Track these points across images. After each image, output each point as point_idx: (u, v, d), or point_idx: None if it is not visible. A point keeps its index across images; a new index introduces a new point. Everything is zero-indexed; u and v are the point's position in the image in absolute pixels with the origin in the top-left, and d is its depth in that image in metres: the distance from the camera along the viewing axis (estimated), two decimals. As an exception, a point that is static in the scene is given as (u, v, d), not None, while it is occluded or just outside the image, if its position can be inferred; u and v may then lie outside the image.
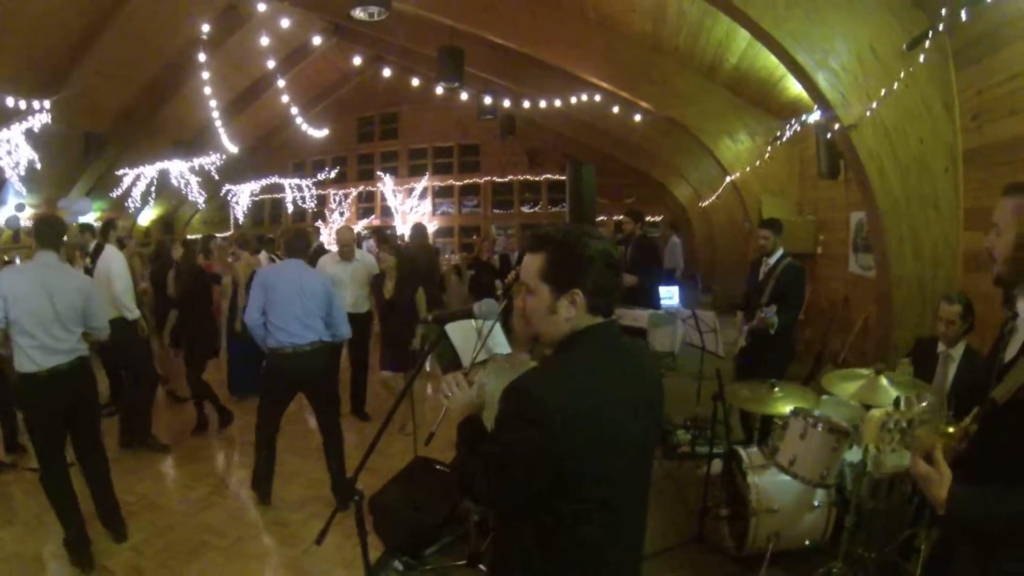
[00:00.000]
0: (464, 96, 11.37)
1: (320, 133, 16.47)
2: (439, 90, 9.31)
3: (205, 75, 11.12)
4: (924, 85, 4.63)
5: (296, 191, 19.37)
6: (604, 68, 9.06)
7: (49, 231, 3.94)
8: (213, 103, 12.31)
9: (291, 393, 4.72)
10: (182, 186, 15.44)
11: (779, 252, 5.14)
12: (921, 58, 4.53)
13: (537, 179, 19.15)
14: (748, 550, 3.67)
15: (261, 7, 9.27)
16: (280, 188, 19.31)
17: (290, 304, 4.48)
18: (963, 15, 4.01)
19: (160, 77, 12.56)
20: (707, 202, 12.71)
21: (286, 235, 5.61)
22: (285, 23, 9.10)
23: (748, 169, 9.19)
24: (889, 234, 4.95)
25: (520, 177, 19.21)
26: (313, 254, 7.45)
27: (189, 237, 12.72)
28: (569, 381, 1.57)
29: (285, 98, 13.29)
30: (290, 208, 19.73)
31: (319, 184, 19.74)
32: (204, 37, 10.30)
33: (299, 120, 15.09)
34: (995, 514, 1.62)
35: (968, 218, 4.72)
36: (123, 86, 12.30)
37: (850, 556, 3.37)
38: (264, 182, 19.00)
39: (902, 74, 4.57)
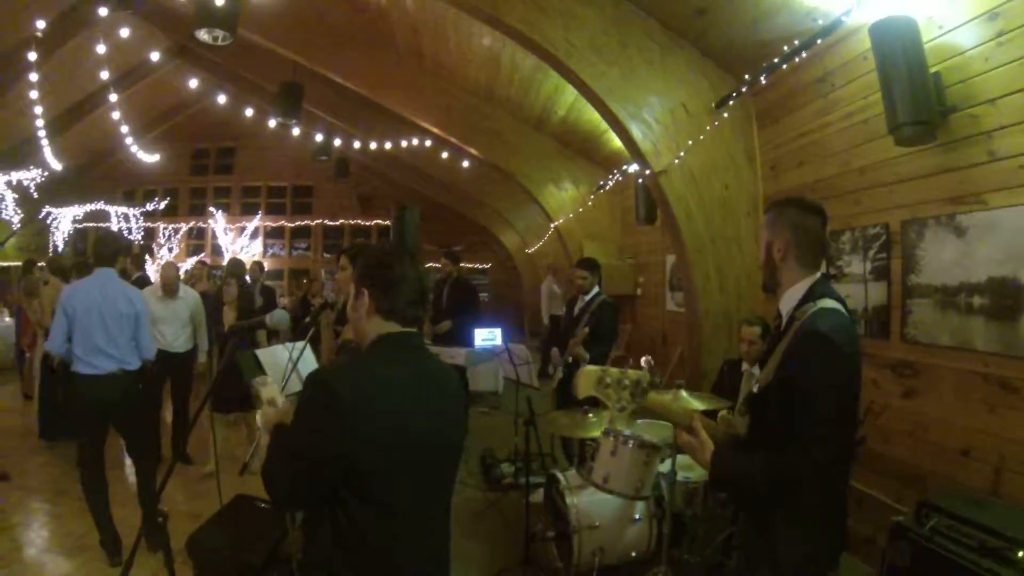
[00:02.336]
0: (296, 133, 11.02)
1: (151, 158, 15.06)
2: (271, 124, 9.00)
3: (34, 77, 9.82)
4: (730, 139, 5.24)
5: (123, 220, 17.50)
6: (437, 115, 9.24)
7: None
8: (39, 110, 10.81)
9: (100, 421, 4.25)
10: None
11: (595, 290, 5.46)
12: (726, 115, 5.11)
13: (368, 224, 18.88)
14: (576, 568, 3.74)
15: (103, 12, 8.50)
16: (107, 216, 17.23)
17: (90, 333, 4.08)
18: (762, 79, 4.59)
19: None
20: (533, 249, 13.23)
21: (94, 239, 5.03)
22: (125, 33, 8.34)
23: (571, 216, 9.72)
24: (696, 271, 5.43)
25: (352, 221, 18.89)
26: (135, 283, 6.89)
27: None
28: (363, 376, 1.69)
29: (116, 115, 12.04)
30: (116, 239, 17.58)
31: (148, 215, 17.99)
32: (39, 35, 9.08)
33: (131, 144, 13.73)
34: (745, 471, 1.88)
35: (767, 256, 5.30)
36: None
37: (674, 561, 3.55)
38: (89, 207, 16.88)
39: (708, 128, 5.13)
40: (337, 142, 11.78)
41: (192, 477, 5.60)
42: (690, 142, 5.14)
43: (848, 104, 4.15)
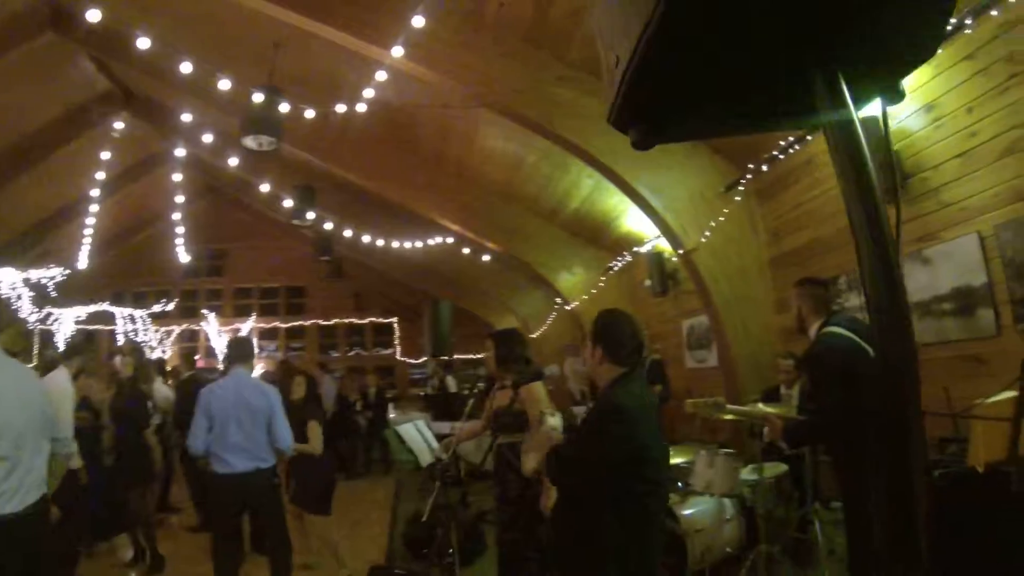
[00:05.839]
0: (307, 224, 11.12)
1: (183, 258, 14.66)
2: (294, 221, 9.94)
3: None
4: (738, 215, 6.64)
5: (129, 322, 16.09)
6: (456, 212, 10.21)
7: None
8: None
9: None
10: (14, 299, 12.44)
11: None
12: (736, 198, 6.54)
13: (362, 322, 19.57)
14: (690, 571, 4.42)
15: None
16: (111, 317, 16.01)
17: (226, 430, 4.25)
18: (763, 167, 6.04)
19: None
20: (538, 332, 14.15)
21: (231, 342, 5.43)
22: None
23: (586, 297, 10.92)
24: (727, 325, 6.72)
25: (346, 320, 19.50)
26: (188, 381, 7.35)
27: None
28: (630, 395, 2.48)
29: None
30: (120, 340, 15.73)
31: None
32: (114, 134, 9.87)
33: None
34: (803, 425, 3.52)
35: (776, 306, 6.67)
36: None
37: (768, 541, 4.48)
38: (92, 309, 15.47)
39: (724, 209, 6.53)
40: (348, 233, 12.09)
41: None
42: (712, 223, 6.49)
43: (833, 179, 5.54)
